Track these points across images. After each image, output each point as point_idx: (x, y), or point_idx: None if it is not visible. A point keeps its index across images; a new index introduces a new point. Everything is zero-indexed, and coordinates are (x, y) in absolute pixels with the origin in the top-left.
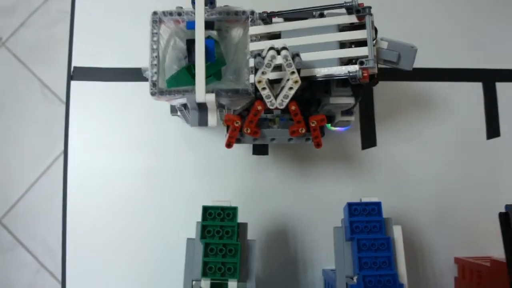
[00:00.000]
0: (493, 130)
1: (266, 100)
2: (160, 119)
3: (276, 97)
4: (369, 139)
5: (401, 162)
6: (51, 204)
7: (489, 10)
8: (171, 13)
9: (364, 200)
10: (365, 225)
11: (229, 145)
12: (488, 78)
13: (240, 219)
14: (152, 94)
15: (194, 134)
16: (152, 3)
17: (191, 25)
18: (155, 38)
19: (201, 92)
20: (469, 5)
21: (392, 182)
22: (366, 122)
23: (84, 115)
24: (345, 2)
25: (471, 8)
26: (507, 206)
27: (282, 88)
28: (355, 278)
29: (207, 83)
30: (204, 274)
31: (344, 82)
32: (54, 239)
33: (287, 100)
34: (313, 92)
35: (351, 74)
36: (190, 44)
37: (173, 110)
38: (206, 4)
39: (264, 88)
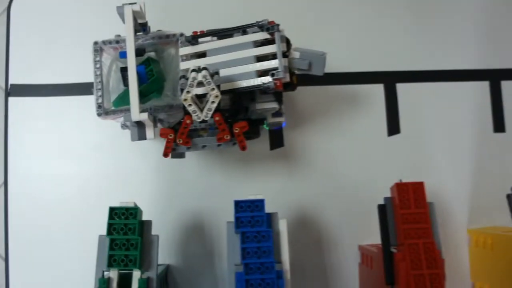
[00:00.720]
0: (394, 127)
1: (193, 115)
2: (90, 128)
3: (202, 110)
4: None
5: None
6: None
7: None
8: (110, 42)
9: (250, 198)
10: (249, 219)
11: (165, 154)
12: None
13: (158, 217)
14: (98, 114)
15: (124, 142)
16: (84, 20)
17: (123, 55)
18: (97, 65)
19: (135, 112)
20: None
21: (302, 178)
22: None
23: (22, 127)
24: (257, 22)
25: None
26: (385, 199)
27: (207, 102)
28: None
29: (147, 100)
30: (110, 265)
31: (265, 90)
32: None
33: (210, 113)
34: (240, 101)
35: (265, 85)
36: (124, 71)
37: (123, 125)
38: (139, 31)
39: (190, 105)
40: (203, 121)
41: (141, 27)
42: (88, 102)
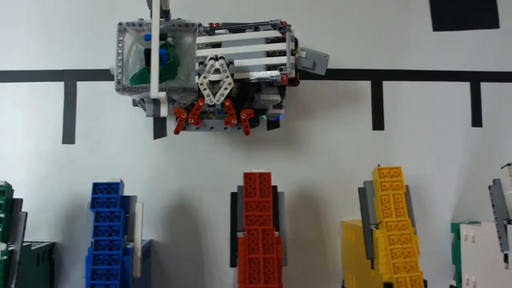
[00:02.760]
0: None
1: (206, 98)
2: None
3: (215, 94)
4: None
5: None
6: None
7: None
8: (133, 24)
9: (110, 180)
10: (105, 200)
11: (177, 132)
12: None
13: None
14: (117, 90)
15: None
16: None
17: (148, 37)
18: (120, 44)
19: (154, 90)
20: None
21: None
22: None
23: None
24: (271, 21)
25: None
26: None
27: (220, 88)
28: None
29: (162, 81)
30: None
31: (272, 82)
32: None
33: (222, 98)
34: (247, 90)
35: (273, 78)
36: (147, 52)
37: (134, 103)
38: (162, 17)
39: (205, 89)
40: (213, 105)
41: (164, 14)
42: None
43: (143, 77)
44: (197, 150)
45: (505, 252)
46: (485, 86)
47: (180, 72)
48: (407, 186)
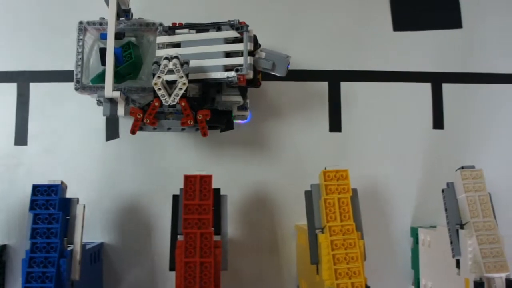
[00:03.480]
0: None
1: (161, 98)
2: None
3: (170, 95)
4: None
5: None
6: None
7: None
8: (94, 23)
9: (50, 182)
10: (44, 202)
11: (133, 132)
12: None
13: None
14: (76, 89)
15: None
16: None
17: (104, 36)
18: (80, 43)
19: (109, 90)
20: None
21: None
22: None
23: None
24: (229, 21)
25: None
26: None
27: (175, 88)
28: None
29: (125, 80)
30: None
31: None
32: None
33: (177, 98)
34: (207, 91)
35: (229, 79)
36: (103, 51)
37: (99, 103)
38: (122, 16)
39: (159, 89)
40: (172, 106)
41: (124, 13)
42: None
43: (104, 77)
44: (150, 152)
45: (457, 257)
46: (447, 88)
47: (142, 72)
48: (355, 190)
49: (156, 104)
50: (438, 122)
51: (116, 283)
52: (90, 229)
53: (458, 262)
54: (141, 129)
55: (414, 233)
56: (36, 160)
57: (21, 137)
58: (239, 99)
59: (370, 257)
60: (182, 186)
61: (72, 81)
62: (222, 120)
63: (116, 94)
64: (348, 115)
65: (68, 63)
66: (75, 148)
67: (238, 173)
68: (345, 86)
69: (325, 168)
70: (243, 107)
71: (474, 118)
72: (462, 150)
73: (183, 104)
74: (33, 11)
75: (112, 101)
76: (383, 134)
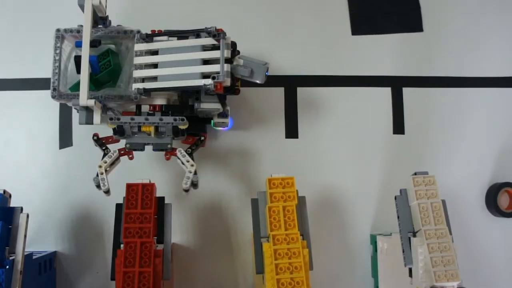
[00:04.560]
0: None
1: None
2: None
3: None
4: None
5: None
6: None
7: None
8: (71, 30)
9: None
10: None
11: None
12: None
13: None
14: (53, 97)
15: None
16: None
17: (79, 44)
18: (57, 51)
19: (83, 98)
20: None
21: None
22: None
23: None
24: (206, 28)
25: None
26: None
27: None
28: None
29: (104, 88)
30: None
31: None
32: None
33: (189, 181)
34: (186, 99)
35: (206, 86)
36: (78, 59)
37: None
38: (99, 24)
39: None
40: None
41: (101, 20)
42: None
43: None
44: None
45: (409, 266)
46: (407, 92)
47: (120, 80)
48: (302, 198)
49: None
50: (398, 127)
51: None
52: (44, 239)
53: (410, 270)
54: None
55: (373, 240)
56: None
57: None
58: (218, 106)
59: (330, 266)
60: None
61: (25, 89)
62: (201, 128)
63: (91, 102)
64: (305, 121)
65: (19, 71)
66: (28, 157)
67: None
68: (302, 91)
69: (271, 175)
70: (223, 114)
71: (435, 123)
72: (423, 155)
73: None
74: None
75: (88, 109)
76: (342, 140)
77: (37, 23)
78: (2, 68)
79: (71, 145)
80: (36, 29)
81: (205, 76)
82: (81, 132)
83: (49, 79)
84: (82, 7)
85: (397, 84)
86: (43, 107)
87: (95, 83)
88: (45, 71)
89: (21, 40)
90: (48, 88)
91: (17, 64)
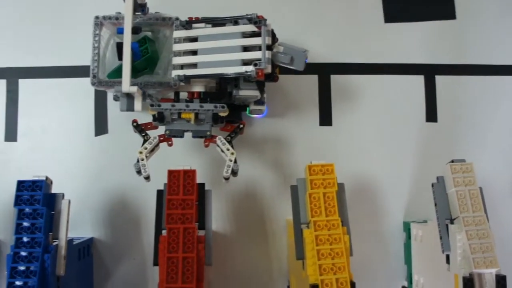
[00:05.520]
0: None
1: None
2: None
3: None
4: None
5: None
6: None
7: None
8: (110, 17)
9: (34, 178)
10: (28, 198)
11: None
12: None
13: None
14: (92, 84)
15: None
16: None
17: (120, 31)
18: (96, 38)
19: (126, 85)
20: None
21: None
22: None
23: None
24: (247, 14)
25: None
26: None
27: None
28: None
29: (141, 75)
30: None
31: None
32: None
33: (229, 170)
34: (225, 86)
35: (247, 73)
36: (120, 46)
37: (116, 97)
38: (138, 11)
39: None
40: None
41: (140, 7)
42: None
43: (120, 72)
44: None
45: (447, 253)
46: (440, 80)
47: (158, 67)
48: (341, 184)
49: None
50: (431, 115)
51: (106, 277)
52: (81, 225)
53: (448, 257)
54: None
55: (407, 228)
56: (26, 156)
57: (11, 133)
58: (256, 93)
59: (364, 252)
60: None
61: (62, 76)
62: (237, 115)
63: (134, 89)
64: (339, 108)
65: (57, 59)
66: (64, 144)
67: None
68: (335, 79)
69: (311, 162)
70: (260, 102)
71: (467, 111)
72: (456, 143)
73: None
74: (22, 7)
75: (129, 96)
76: (375, 127)
77: (72, 12)
78: (38, 57)
79: (106, 132)
80: (71, 17)
81: (245, 63)
82: (116, 120)
83: (83, 66)
84: None
85: (429, 72)
86: (78, 95)
87: (132, 70)
88: (79, 59)
89: (57, 28)
90: (83, 76)
91: (53, 52)
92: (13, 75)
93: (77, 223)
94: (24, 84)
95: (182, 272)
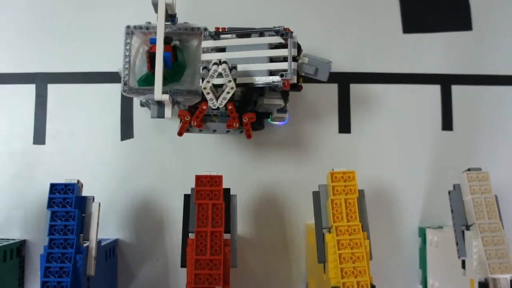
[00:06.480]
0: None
1: (209, 102)
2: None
3: (217, 98)
4: None
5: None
6: None
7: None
8: (140, 27)
9: (67, 181)
10: (61, 200)
11: (180, 133)
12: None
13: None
14: (124, 91)
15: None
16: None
17: (153, 41)
18: (127, 47)
19: (158, 92)
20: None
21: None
22: None
23: None
24: (274, 27)
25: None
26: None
27: (222, 91)
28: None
29: (169, 83)
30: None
31: (273, 88)
32: None
33: (225, 101)
34: (250, 95)
35: (275, 83)
36: (152, 56)
37: (141, 104)
38: (168, 21)
39: (208, 93)
40: (217, 108)
41: (170, 18)
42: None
43: (149, 79)
44: (163, 151)
45: (462, 258)
46: (456, 89)
47: (185, 75)
48: (361, 191)
49: (204, 107)
50: (447, 123)
51: (130, 278)
52: (105, 226)
53: (463, 262)
54: (187, 130)
55: (422, 233)
56: (54, 159)
57: (39, 137)
58: (280, 102)
59: (379, 256)
60: (193, 185)
61: (89, 82)
62: (261, 122)
63: (166, 97)
64: (358, 116)
65: (84, 65)
66: (91, 147)
67: (248, 172)
68: (354, 87)
69: (333, 170)
70: (282, 109)
71: (483, 120)
72: (471, 152)
73: (230, 107)
74: (52, 14)
75: (160, 104)
76: (392, 135)
77: (99, 19)
78: (66, 62)
79: (132, 137)
80: (99, 25)
81: (271, 73)
82: (141, 125)
83: (110, 72)
84: (155, 5)
85: (446, 82)
86: (105, 100)
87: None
88: (107, 65)
89: (84, 35)
90: (110, 82)
91: (81, 59)
92: (42, 80)
93: (102, 225)
94: (53, 89)
95: (210, 274)
